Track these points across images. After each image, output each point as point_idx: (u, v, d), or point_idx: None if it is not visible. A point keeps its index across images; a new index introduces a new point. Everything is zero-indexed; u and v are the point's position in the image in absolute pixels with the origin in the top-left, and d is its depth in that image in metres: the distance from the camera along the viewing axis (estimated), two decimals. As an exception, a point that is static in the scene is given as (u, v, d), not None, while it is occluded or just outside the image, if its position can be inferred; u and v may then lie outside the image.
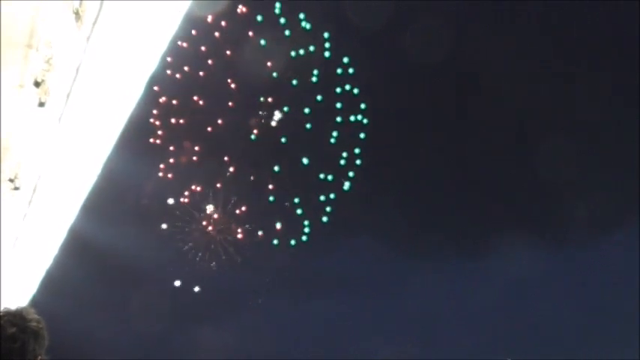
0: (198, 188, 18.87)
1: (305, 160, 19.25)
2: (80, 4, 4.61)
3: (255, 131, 19.04)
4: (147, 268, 18.10)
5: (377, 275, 19.69)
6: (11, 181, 6.28)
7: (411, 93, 19.28)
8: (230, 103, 18.65)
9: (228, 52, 18.25)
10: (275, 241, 19.26)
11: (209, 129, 18.61)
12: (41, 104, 4.66)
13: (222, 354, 18.34)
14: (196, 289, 18.82)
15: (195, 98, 18.31)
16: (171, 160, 18.59)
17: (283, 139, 19.14)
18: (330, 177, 19.41)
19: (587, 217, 18.93)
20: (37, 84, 4.51)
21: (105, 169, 6.15)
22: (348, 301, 18.63)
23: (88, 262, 15.10)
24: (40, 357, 2.42)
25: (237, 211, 19.25)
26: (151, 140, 18.14)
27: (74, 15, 4.53)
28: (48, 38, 4.47)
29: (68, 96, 4.92)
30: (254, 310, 19.06)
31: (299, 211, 19.35)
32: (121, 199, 16.98)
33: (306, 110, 19.22)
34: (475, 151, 19.96)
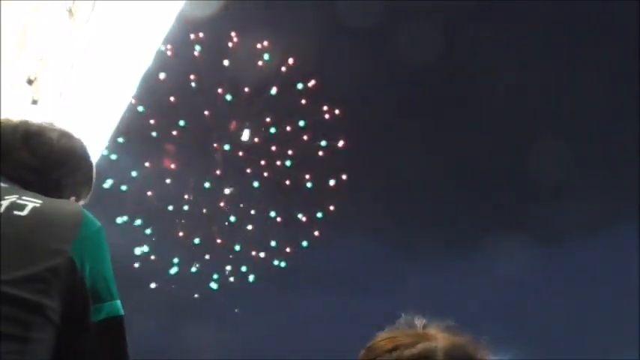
0: (188, 195, 18.78)
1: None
2: (73, 2, 4.61)
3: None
4: (139, 267, 18.06)
5: (368, 274, 19.70)
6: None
7: (402, 92, 19.30)
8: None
9: (196, 54, 18.13)
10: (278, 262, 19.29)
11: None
12: (34, 102, 4.65)
13: (214, 353, 18.31)
14: (190, 289, 18.81)
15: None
16: (164, 160, 18.54)
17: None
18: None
19: (583, 215, 18.95)
20: (30, 81, 4.50)
21: (97, 168, 6.14)
22: (338, 299, 18.64)
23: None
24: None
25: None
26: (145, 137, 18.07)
27: (68, 12, 4.53)
28: (41, 35, 4.47)
29: (61, 94, 4.92)
30: (245, 309, 19.06)
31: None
32: (114, 198, 16.95)
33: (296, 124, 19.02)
34: (469, 149, 19.99)
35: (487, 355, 1.44)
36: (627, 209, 18.97)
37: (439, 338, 1.40)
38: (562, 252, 19.17)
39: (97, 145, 5.76)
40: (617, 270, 18.52)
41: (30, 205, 1.68)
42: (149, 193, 18.41)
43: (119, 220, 17.66)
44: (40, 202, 1.71)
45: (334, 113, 19.05)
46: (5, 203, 1.66)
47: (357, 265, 19.66)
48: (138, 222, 18.22)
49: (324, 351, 16.70)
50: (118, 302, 1.72)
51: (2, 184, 1.75)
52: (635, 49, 17.68)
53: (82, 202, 2.03)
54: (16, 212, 1.64)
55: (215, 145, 18.89)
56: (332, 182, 19.14)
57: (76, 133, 2.10)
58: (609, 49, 18.72)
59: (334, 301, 18.58)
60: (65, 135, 2.04)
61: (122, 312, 1.73)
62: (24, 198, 1.70)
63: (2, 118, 2.06)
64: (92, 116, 5.31)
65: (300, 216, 19.42)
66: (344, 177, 19.13)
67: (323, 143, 19.07)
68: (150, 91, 16.05)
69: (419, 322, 1.47)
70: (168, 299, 18.39)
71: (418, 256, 19.24)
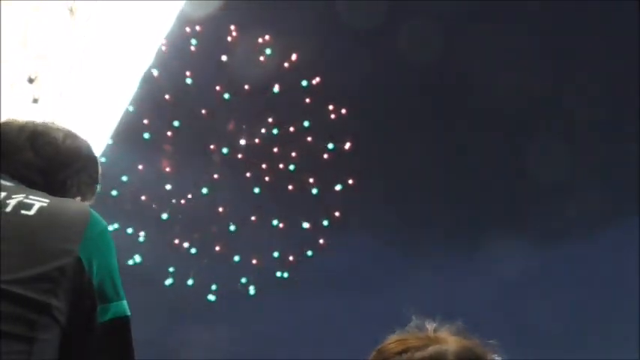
0: (190, 196, 18.40)
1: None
2: (74, 2, 4.60)
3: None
4: (132, 277, 17.87)
5: (370, 273, 19.67)
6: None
7: (401, 92, 19.25)
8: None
9: (192, 48, 17.65)
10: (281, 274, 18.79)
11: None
12: (35, 101, 4.64)
13: (217, 354, 18.24)
14: (190, 285, 18.63)
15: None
16: (158, 163, 18.13)
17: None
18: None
19: (583, 215, 18.95)
20: (30, 81, 4.49)
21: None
22: (341, 299, 18.60)
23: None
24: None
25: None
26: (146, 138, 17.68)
27: (68, 11, 4.52)
28: (42, 34, 4.46)
29: (62, 93, 4.91)
30: (249, 309, 18.91)
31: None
32: (104, 204, 16.66)
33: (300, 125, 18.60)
34: (469, 149, 19.99)
35: (496, 359, 1.44)
36: (627, 209, 19.00)
37: (450, 341, 1.40)
38: (562, 252, 19.16)
39: (98, 145, 5.75)
40: (617, 270, 18.54)
41: (37, 205, 1.68)
42: (143, 198, 17.87)
43: (109, 227, 17.09)
44: (47, 201, 1.71)
45: (340, 113, 18.31)
46: (12, 202, 1.65)
47: (359, 267, 19.60)
48: (130, 230, 17.56)
49: (327, 351, 16.71)
50: (125, 302, 1.73)
51: (9, 183, 1.75)
52: (635, 49, 17.69)
53: (87, 203, 2.03)
54: (23, 212, 1.64)
55: (212, 146, 18.43)
56: (338, 187, 18.41)
57: (80, 133, 2.09)
58: (609, 49, 18.73)
59: (336, 303, 18.53)
60: (70, 135, 2.04)
61: (129, 312, 1.73)
62: (31, 197, 1.70)
63: (9, 118, 2.06)
64: (93, 116, 5.30)
65: (304, 224, 18.72)
66: (350, 181, 18.44)
67: (329, 146, 18.35)
68: (142, 90, 15.74)
69: (430, 325, 1.47)
70: (166, 306, 18.07)
71: (421, 257, 19.21)
